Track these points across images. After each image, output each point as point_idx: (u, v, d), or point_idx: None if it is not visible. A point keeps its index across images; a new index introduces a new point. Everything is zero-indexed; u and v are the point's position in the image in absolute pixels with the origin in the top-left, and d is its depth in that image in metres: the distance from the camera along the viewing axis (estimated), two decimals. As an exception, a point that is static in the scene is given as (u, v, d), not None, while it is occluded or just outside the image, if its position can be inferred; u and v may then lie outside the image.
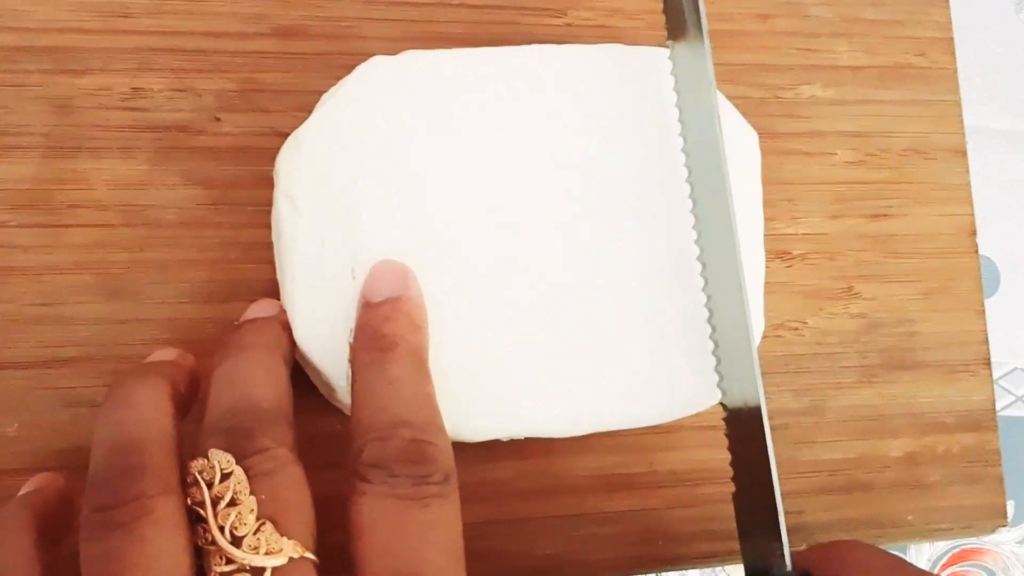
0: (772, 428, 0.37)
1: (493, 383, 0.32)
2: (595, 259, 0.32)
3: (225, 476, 0.25)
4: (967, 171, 0.43)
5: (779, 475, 0.37)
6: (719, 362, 0.32)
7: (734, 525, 0.33)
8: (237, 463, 0.25)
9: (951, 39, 0.44)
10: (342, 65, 0.35)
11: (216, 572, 0.24)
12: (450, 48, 0.34)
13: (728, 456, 0.32)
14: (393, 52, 0.33)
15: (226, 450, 0.25)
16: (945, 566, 0.41)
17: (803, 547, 0.35)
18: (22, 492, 0.29)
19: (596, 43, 0.35)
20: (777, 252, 0.40)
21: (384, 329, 0.29)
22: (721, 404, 0.33)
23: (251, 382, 0.28)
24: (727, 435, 0.33)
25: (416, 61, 0.32)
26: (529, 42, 0.35)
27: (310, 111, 0.33)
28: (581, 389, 0.32)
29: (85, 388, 0.34)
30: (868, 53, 0.43)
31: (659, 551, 0.37)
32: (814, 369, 0.40)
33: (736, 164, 0.33)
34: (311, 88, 0.35)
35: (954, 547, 0.41)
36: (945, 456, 0.41)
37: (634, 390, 0.33)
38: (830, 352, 0.40)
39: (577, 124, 0.33)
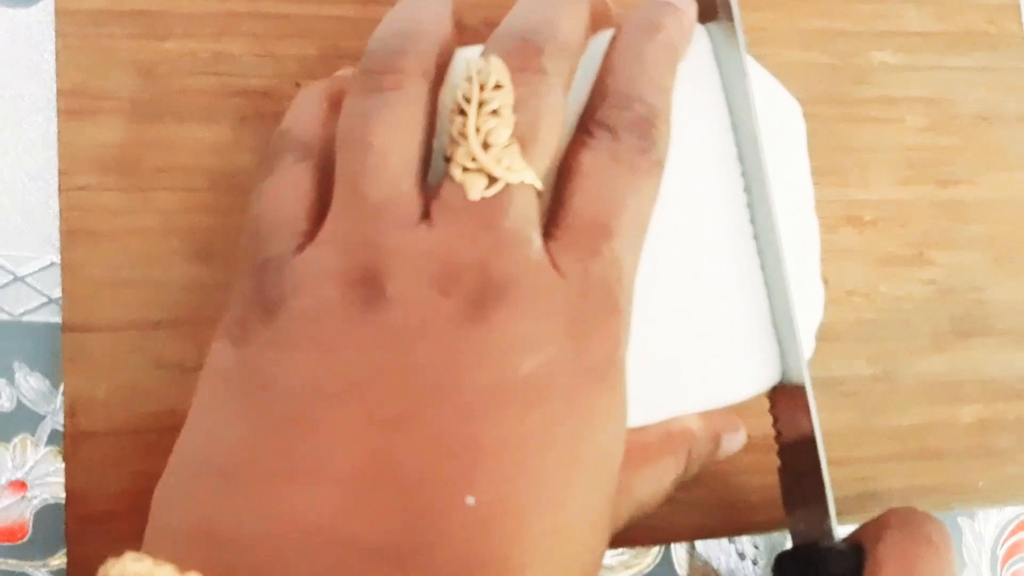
0: (845, 394, 0.38)
1: None
2: (651, 244, 0.32)
3: (497, 87, 0.26)
4: (1036, 138, 0.43)
5: (851, 442, 0.37)
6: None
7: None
8: (512, 77, 0.26)
9: (1019, 6, 0.44)
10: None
11: (458, 164, 0.25)
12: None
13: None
14: (472, 21, 0.33)
15: (508, 59, 0.27)
16: (1014, 532, 0.41)
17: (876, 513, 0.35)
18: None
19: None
20: (848, 218, 0.41)
21: (657, 17, 0.30)
22: None
23: (560, 11, 0.28)
24: (771, 412, 0.33)
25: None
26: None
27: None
28: (644, 377, 0.31)
29: (173, 351, 0.34)
30: (938, 19, 0.43)
31: (733, 517, 0.37)
32: (886, 336, 0.40)
33: (778, 136, 0.33)
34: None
35: (1023, 513, 0.41)
36: (1016, 422, 0.41)
37: (699, 374, 0.32)
38: (902, 319, 0.41)
39: None
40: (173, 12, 0.35)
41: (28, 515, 0.34)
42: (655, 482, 0.31)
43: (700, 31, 0.33)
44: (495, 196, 0.25)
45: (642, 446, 0.30)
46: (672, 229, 0.30)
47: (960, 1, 0.43)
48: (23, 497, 0.34)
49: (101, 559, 0.30)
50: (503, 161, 0.25)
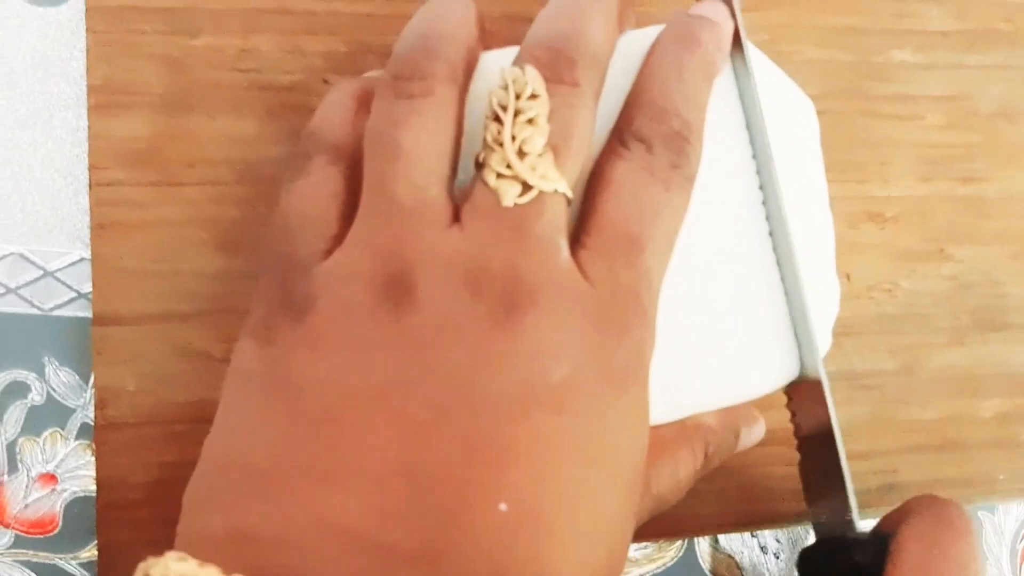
0: (867, 388, 0.38)
1: None
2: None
3: (532, 96, 0.26)
4: (1055, 135, 0.43)
5: (873, 435, 0.38)
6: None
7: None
8: (546, 87, 0.27)
9: (1037, 4, 0.44)
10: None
11: (492, 170, 0.26)
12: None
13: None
14: (505, 15, 0.34)
15: (541, 69, 0.27)
16: (1034, 526, 0.41)
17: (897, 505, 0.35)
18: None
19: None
20: (869, 214, 0.41)
21: (699, 33, 0.30)
22: None
23: (588, 16, 0.29)
24: (788, 406, 0.33)
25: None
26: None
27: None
28: (663, 376, 0.31)
29: (200, 341, 0.34)
30: (957, 18, 0.43)
31: (760, 509, 0.38)
32: (907, 330, 0.40)
33: (792, 133, 0.33)
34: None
35: (1043, 507, 0.41)
36: (1037, 416, 0.41)
37: (717, 371, 0.32)
38: (922, 313, 0.41)
39: None
40: (201, 8, 0.36)
41: (59, 508, 0.35)
42: (673, 476, 0.32)
43: None
44: (528, 203, 0.25)
45: (659, 440, 0.30)
46: (688, 228, 0.30)
47: (979, 0, 0.44)
48: (53, 490, 0.35)
49: (131, 546, 0.31)
50: (538, 169, 0.26)
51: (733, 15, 0.32)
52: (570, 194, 0.27)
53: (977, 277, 0.42)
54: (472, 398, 0.25)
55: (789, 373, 0.33)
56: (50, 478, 0.35)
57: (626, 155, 0.27)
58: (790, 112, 0.34)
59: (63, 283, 0.35)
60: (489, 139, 0.26)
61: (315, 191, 0.28)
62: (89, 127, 0.35)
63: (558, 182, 0.26)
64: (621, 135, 0.28)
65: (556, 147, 0.26)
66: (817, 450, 0.33)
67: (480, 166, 0.26)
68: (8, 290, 0.35)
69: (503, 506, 0.24)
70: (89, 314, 0.35)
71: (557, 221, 0.26)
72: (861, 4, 0.42)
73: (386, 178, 0.26)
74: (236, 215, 0.35)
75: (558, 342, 0.25)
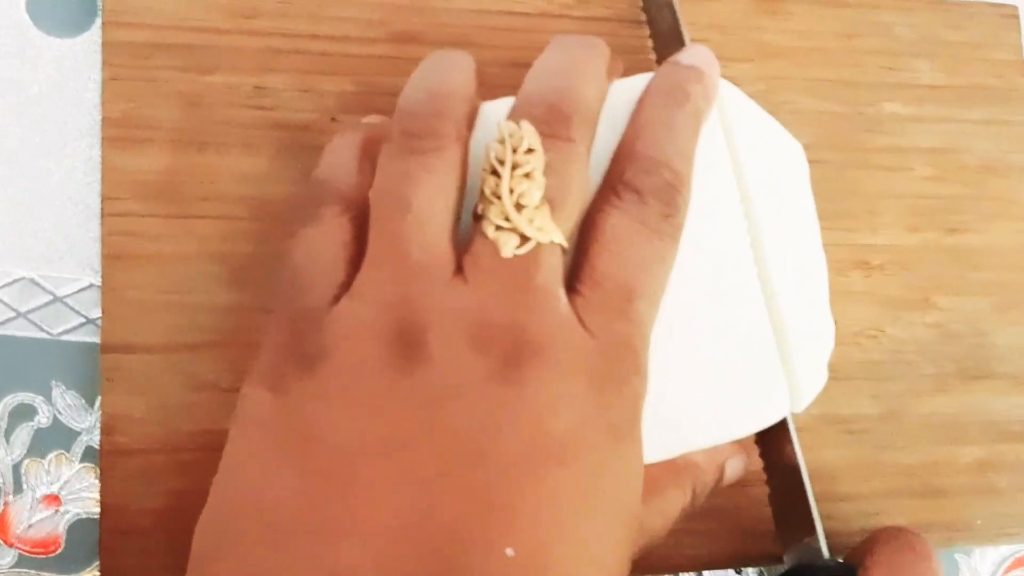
0: (852, 432, 0.39)
1: None
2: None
3: (529, 151, 0.27)
4: (1040, 189, 0.44)
5: (857, 478, 0.39)
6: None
7: (829, 523, 0.34)
8: (542, 142, 0.27)
9: (1024, 62, 0.46)
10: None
11: (491, 222, 0.26)
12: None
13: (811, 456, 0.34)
14: (503, 61, 0.35)
15: (537, 125, 0.28)
16: (1009, 569, 0.42)
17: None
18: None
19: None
20: (856, 262, 0.42)
21: (685, 84, 0.31)
22: None
23: (581, 73, 0.30)
24: (756, 442, 0.35)
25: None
26: (628, 54, 0.36)
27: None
28: (654, 418, 0.31)
29: (209, 373, 0.35)
30: (947, 73, 0.44)
31: (755, 548, 0.38)
32: (892, 376, 0.42)
33: (784, 175, 0.34)
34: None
35: (1018, 551, 0.42)
36: (1016, 463, 0.42)
37: (706, 412, 0.32)
38: (907, 360, 0.42)
39: None
40: (217, 46, 0.37)
41: (61, 529, 0.35)
42: (662, 514, 0.33)
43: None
44: (526, 254, 0.26)
45: (650, 479, 0.31)
46: (678, 269, 0.31)
47: (969, 55, 0.45)
48: (57, 511, 0.35)
49: (135, 572, 0.32)
50: (535, 222, 0.26)
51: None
52: (566, 244, 0.28)
53: (961, 326, 0.43)
54: (479, 454, 0.25)
55: (780, 411, 0.33)
56: (54, 499, 0.35)
57: (619, 205, 0.28)
58: (780, 154, 0.35)
59: (72, 308, 0.36)
60: (487, 192, 0.27)
61: (325, 240, 0.29)
62: (104, 159, 0.36)
63: (554, 234, 0.27)
64: (614, 185, 0.29)
65: (552, 200, 0.27)
66: (785, 484, 0.34)
67: (479, 218, 0.27)
68: (18, 314, 0.36)
69: (510, 551, 0.25)
70: (97, 340, 0.35)
71: (555, 271, 0.27)
72: (854, 58, 0.44)
73: (396, 233, 0.27)
74: (248, 250, 0.36)
75: (561, 396, 0.26)
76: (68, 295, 0.36)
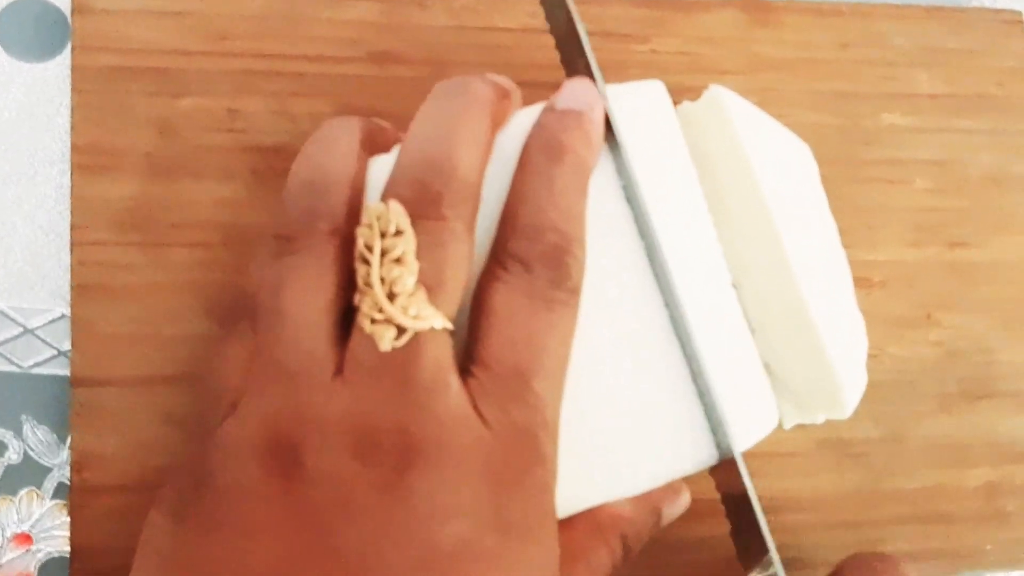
0: (853, 456, 0.38)
1: None
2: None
3: (398, 232, 0.26)
4: (1045, 201, 0.43)
5: (859, 505, 0.37)
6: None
7: (818, 554, 0.33)
8: (413, 222, 0.26)
9: (1029, 69, 0.45)
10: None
11: (366, 315, 0.25)
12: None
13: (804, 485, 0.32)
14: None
15: (407, 204, 0.26)
16: (1021, 596, 0.41)
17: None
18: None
19: (680, 71, 0.36)
20: (857, 279, 0.40)
21: (562, 137, 0.29)
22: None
23: (455, 140, 0.27)
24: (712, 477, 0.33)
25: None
26: (615, 69, 0.35)
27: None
28: (574, 466, 0.30)
29: (183, 406, 0.34)
30: (947, 82, 0.43)
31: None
32: (894, 397, 0.40)
33: (795, 175, 0.33)
34: (403, 112, 0.35)
35: (1030, 578, 0.41)
36: (1024, 486, 0.41)
37: (627, 458, 0.31)
38: (909, 380, 0.41)
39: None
40: (189, 70, 0.36)
41: (33, 568, 0.34)
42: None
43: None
44: (406, 345, 0.25)
45: (572, 544, 0.29)
46: (584, 320, 0.29)
47: (969, 64, 0.44)
48: (28, 550, 0.34)
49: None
50: (410, 310, 0.25)
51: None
52: (450, 326, 0.25)
53: (965, 344, 0.42)
54: (365, 572, 0.24)
55: (705, 456, 0.32)
56: (25, 538, 0.34)
57: (504, 277, 0.27)
58: (789, 155, 0.34)
59: (43, 340, 0.35)
60: (360, 282, 0.25)
61: (228, 358, 0.28)
62: (73, 187, 0.35)
63: (434, 319, 0.25)
64: (499, 256, 0.27)
65: (428, 284, 0.25)
66: (742, 521, 0.33)
67: (355, 310, 0.26)
68: (-12, 347, 0.35)
69: None
70: (68, 372, 0.34)
71: (441, 358, 0.25)
72: (851, 68, 0.42)
73: (271, 344, 0.26)
74: (221, 279, 0.35)
75: (450, 502, 0.24)
76: (39, 327, 0.35)
